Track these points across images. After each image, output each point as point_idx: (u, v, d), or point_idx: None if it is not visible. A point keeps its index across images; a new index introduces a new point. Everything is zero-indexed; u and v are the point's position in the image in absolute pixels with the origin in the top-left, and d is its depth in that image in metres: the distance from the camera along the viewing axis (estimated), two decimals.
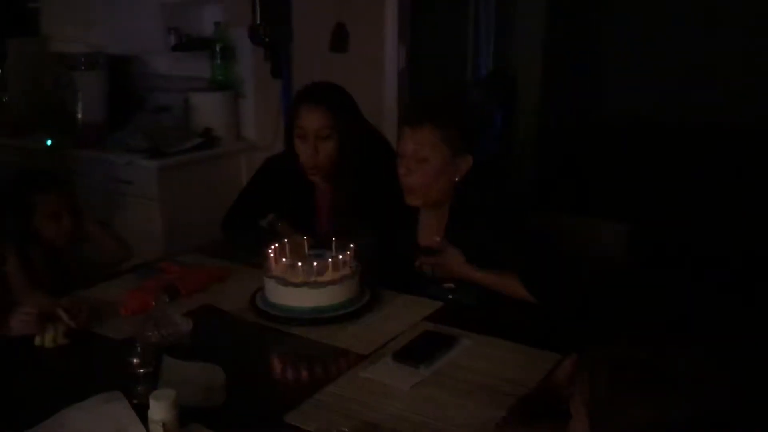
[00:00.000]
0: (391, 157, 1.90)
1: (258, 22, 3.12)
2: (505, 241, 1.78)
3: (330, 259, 1.75)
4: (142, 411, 1.24)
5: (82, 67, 3.35)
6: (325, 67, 3.01)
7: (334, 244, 1.83)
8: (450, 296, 1.83)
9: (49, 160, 3.26)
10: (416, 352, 1.53)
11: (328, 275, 1.72)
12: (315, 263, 1.74)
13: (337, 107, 2.02)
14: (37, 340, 1.55)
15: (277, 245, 1.77)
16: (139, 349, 1.33)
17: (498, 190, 1.90)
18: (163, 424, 1.17)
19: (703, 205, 3.47)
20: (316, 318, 1.68)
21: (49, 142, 3.28)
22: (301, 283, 1.70)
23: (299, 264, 1.71)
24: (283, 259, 1.78)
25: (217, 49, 3.31)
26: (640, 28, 3.83)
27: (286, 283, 1.71)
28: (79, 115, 3.36)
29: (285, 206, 2.16)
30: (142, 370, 1.33)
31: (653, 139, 3.77)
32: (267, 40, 3.12)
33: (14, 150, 3.43)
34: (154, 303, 1.54)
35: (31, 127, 3.43)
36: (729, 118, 3.67)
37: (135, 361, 1.32)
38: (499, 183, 1.92)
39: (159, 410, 1.17)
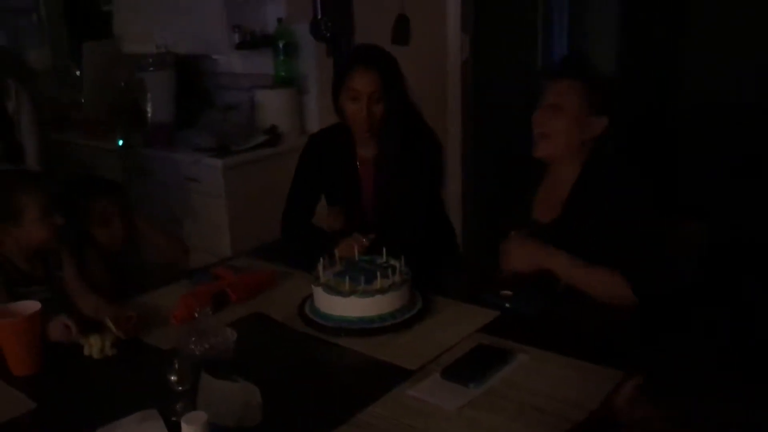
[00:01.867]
0: (430, 136, 2.07)
1: (319, 16, 3.08)
2: (629, 223, 1.68)
3: (379, 266, 1.68)
4: (179, 429, 1.21)
5: (151, 68, 3.40)
6: None
7: (384, 250, 1.77)
8: (507, 305, 1.73)
9: (121, 160, 3.34)
10: (467, 368, 1.44)
11: (377, 283, 1.65)
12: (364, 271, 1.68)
13: (388, 72, 2.06)
14: (86, 350, 1.56)
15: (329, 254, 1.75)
16: (176, 365, 1.31)
17: (632, 174, 1.79)
18: None
19: None
20: (364, 328, 1.62)
21: (120, 143, 3.36)
22: (348, 291, 1.64)
23: (347, 272, 1.66)
24: (334, 267, 1.73)
25: (280, 45, 3.30)
26: (723, 12, 3.56)
27: (333, 291, 1.66)
28: (149, 115, 3.42)
29: (330, 181, 2.15)
30: (180, 388, 1.30)
31: (735, 129, 3.50)
32: (329, 35, 3.08)
33: (88, 149, 3.53)
34: (197, 315, 1.52)
35: (105, 127, 3.52)
36: None
37: (173, 378, 1.30)
38: (633, 168, 1.82)
39: None
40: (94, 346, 1.55)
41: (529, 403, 1.33)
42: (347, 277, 1.67)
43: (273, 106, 3.34)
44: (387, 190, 2.12)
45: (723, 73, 3.49)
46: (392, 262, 1.74)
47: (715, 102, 3.55)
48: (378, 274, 1.67)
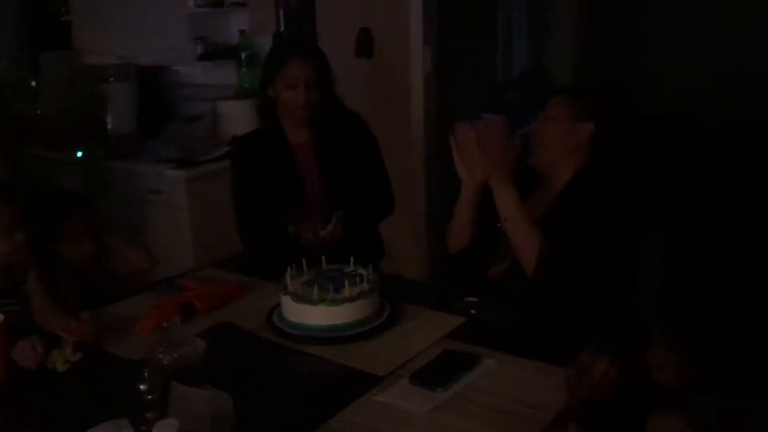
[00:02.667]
0: (358, 118, 2.20)
1: (282, 29, 3.10)
2: (590, 225, 1.74)
3: (347, 275, 1.70)
4: None
5: (112, 79, 3.37)
6: (350, 72, 2.96)
7: (352, 259, 1.79)
8: (473, 311, 1.76)
9: (81, 172, 3.29)
10: (434, 373, 1.47)
11: (346, 291, 1.67)
12: (331, 280, 1.69)
13: (323, 61, 2.15)
14: (50, 363, 1.54)
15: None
16: (146, 374, 1.30)
17: (618, 186, 1.88)
18: None
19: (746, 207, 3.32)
20: (333, 337, 1.63)
21: (79, 154, 3.32)
22: (317, 300, 1.66)
23: (315, 281, 1.67)
24: (302, 276, 1.75)
25: (243, 57, 3.30)
26: (677, 24, 3.69)
27: (302, 300, 1.67)
28: (110, 127, 3.39)
29: (268, 174, 2.16)
30: (150, 397, 1.30)
31: (692, 136, 3.63)
32: None
33: (47, 162, 3.47)
34: (165, 325, 1.51)
35: (64, 139, 3.47)
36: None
37: (142, 387, 1.30)
38: (623, 183, 1.91)
39: None
40: (58, 359, 1.53)
41: (497, 407, 1.36)
42: (315, 286, 1.68)
43: (236, 117, 3.34)
44: (334, 171, 2.17)
45: (681, 82, 3.61)
46: (360, 270, 1.76)
47: (670, 113, 3.67)
48: (346, 282, 1.68)
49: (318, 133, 2.18)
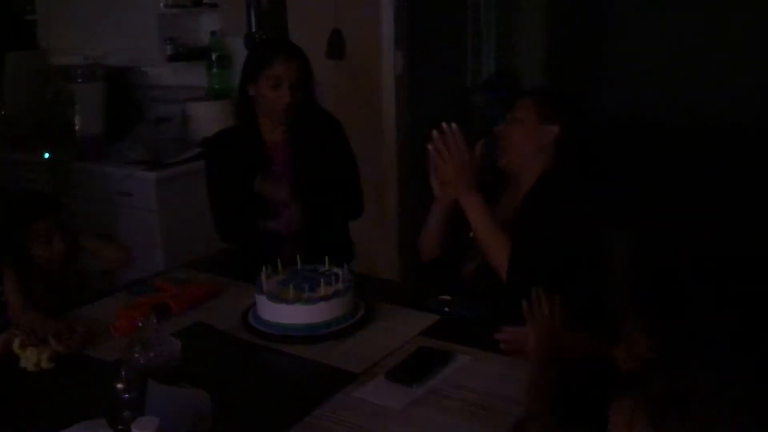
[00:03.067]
0: (333, 119, 2.25)
1: (253, 30, 3.10)
2: (553, 226, 1.78)
3: (322, 274, 1.72)
4: None
5: (80, 80, 3.33)
6: (322, 73, 2.97)
7: (327, 259, 1.81)
8: (446, 309, 1.79)
9: (48, 174, 3.25)
10: (409, 370, 1.49)
11: (321, 291, 1.68)
12: (307, 279, 1.71)
13: (306, 61, 2.18)
14: (22, 362, 1.53)
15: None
16: (123, 373, 1.30)
17: (583, 188, 1.91)
18: None
19: (708, 208, 3.41)
20: (309, 336, 1.65)
21: (47, 155, 3.27)
22: (293, 299, 1.67)
23: (291, 280, 1.69)
24: (277, 276, 1.76)
25: (214, 58, 3.30)
26: (644, 28, 3.78)
27: (278, 299, 1.68)
28: (78, 128, 3.35)
29: (243, 174, 2.17)
30: (127, 396, 1.29)
31: (658, 141, 3.71)
32: None
33: (13, 164, 3.42)
34: (140, 324, 1.51)
35: (30, 141, 3.42)
36: (736, 119, 3.60)
37: (119, 386, 1.29)
38: (587, 183, 1.94)
39: None
40: (30, 359, 1.52)
41: (471, 401, 1.39)
42: (291, 285, 1.70)
43: (206, 119, 3.32)
44: (307, 170, 2.19)
45: (649, 85, 3.69)
46: (335, 270, 1.78)
47: (642, 115, 3.74)
48: (321, 281, 1.70)
49: (294, 133, 2.20)
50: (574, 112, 1.95)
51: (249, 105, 2.18)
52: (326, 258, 1.82)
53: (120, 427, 1.27)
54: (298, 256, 1.84)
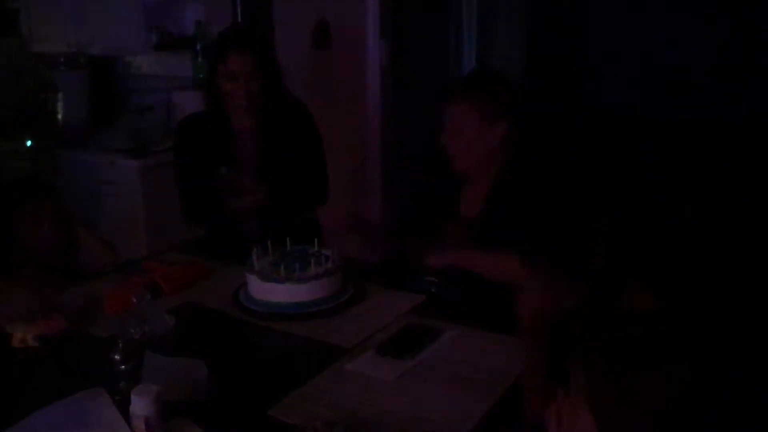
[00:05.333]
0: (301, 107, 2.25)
1: (239, 19, 3.11)
2: (539, 224, 1.78)
3: (312, 255, 1.75)
4: (124, 407, 1.23)
5: (63, 68, 3.33)
6: (307, 63, 3.01)
7: (316, 240, 1.84)
8: (432, 289, 1.84)
9: (30, 162, 3.23)
10: (400, 344, 1.53)
11: (311, 270, 1.72)
12: (297, 258, 1.74)
13: (262, 51, 2.19)
14: (10, 329, 1.55)
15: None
16: (120, 345, 1.33)
17: (548, 171, 1.93)
18: (146, 420, 1.17)
19: (687, 201, 3.49)
20: (299, 313, 1.68)
21: (29, 143, 3.25)
22: (283, 278, 1.70)
23: (282, 261, 1.72)
24: (267, 256, 1.79)
25: (199, 47, 3.30)
26: (623, 24, 3.86)
27: (268, 278, 1.71)
28: (60, 116, 3.33)
29: (209, 159, 2.21)
30: (123, 366, 1.32)
31: (636, 135, 3.80)
32: None
33: None
34: (135, 300, 1.53)
35: (12, 129, 3.39)
36: (713, 115, 3.70)
37: (117, 357, 1.32)
38: (550, 165, 1.95)
39: (141, 405, 1.17)
40: (16, 335, 1.54)
41: (460, 373, 1.44)
42: (282, 265, 1.73)
43: (191, 108, 3.30)
44: (271, 157, 2.23)
45: (626, 82, 3.77)
46: (324, 250, 1.82)
47: (618, 110, 3.83)
48: (312, 261, 1.73)
49: (260, 120, 2.24)
50: (516, 105, 1.89)
51: (217, 92, 2.21)
52: (316, 240, 1.85)
53: (117, 397, 1.30)
54: (288, 239, 1.87)
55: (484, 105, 1.84)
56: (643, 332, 0.89)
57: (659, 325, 0.91)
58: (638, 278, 1.25)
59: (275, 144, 2.24)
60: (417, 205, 2.13)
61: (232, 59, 2.13)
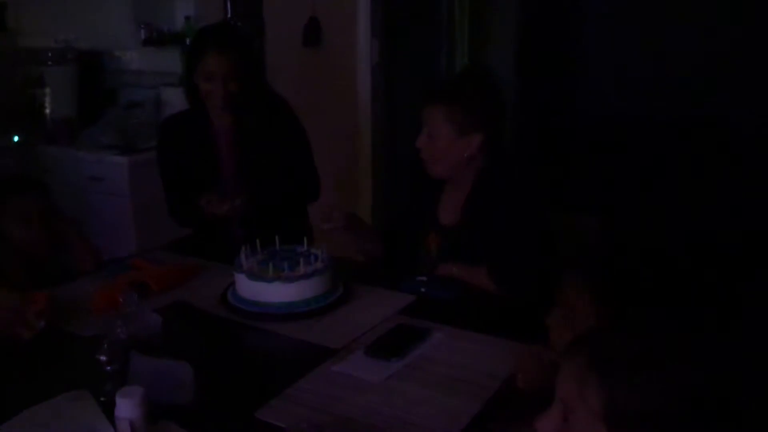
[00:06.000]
0: (284, 106, 2.24)
1: (229, 16, 3.09)
2: (511, 225, 1.80)
3: (301, 254, 1.74)
4: (110, 409, 1.22)
5: (50, 62, 3.29)
6: (297, 61, 2.99)
7: (305, 239, 1.83)
8: (423, 289, 1.83)
9: (17, 158, 3.20)
10: (388, 345, 1.52)
11: (300, 269, 1.71)
12: (287, 257, 1.73)
13: (241, 51, 2.17)
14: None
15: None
16: (106, 346, 1.31)
17: (525, 178, 1.91)
18: (131, 422, 1.16)
19: (676, 200, 3.51)
20: (288, 313, 1.67)
21: (16, 139, 3.23)
22: (272, 277, 1.69)
23: (270, 259, 1.71)
24: (256, 255, 1.78)
25: (188, 43, 3.27)
26: (615, 24, 3.87)
27: (257, 277, 1.70)
28: (48, 111, 3.31)
29: (188, 156, 2.23)
30: (109, 368, 1.31)
31: (627, 135, 3.81)
32: None
33: None
34: (122, 300, 1.52)
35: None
36: (701, 114, 3.72)
37: (102, 358, 1.31)
38: (527, 171, 1.93)
39: (126, 408, 1.16)
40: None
41: (449, 375, 1.43)
42: (270, 264, 1.72)
43: (179, 105, 3.28)
44: (250, 155, 2.23)
45: (618, 81, 3.78)
46: (314, 250, 1.81)
47: (610, 109, 3.83)
48: (301, 260, 1.72)
49: (239, 119, 2.22)
50: (494, 115, 1.85)
51: (196, 92, 2.19)
52: (305, 238, 1.84)
53: (102, 398, 1.28)
54: (276, 237, 1.86)
55: (459, 116, 1.80)
56: (637, 346, 0.88)
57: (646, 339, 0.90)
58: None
59: (255, 143, 2.23)
60: (399, 210, 2.12)
61: (209, 59, 2.11)
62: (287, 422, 1.26)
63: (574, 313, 1.22)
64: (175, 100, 3.31)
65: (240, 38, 2.21)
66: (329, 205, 1.96)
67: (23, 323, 1.53)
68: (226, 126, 2.24)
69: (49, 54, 3.31)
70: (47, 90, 3.29)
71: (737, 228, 3.42)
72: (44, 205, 1.96)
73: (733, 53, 3.70)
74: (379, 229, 2.47)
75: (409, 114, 1.91)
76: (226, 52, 2.11)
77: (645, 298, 1.20)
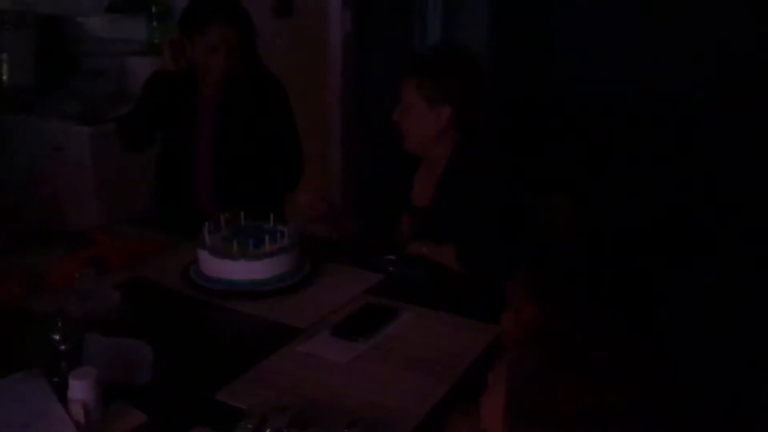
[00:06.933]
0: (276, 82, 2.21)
1: None
2: (482, 211, 1.78)
3: (267, 231, 1.70)
4: (63, 389, 1.17)
5: (8, 26, 3.16)
6: (268, 31, 2.90)
7: (272, 216, 1.78)
8: (391, 268, 1.80)
9: None
10: (355, 325, 1.49)
11: (266, 247, 1.66)
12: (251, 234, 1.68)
13: (245, 24, 2.11)
14: None
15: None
16: (60, 324, 1.26)
17: (496, 158, 1.91)
18: (84, 404, 1.11)
19: (650, 181, 3.52)
20: (253, 291, 1.62)
21: None
22: (237, 255, 1.64)
23: (235, 236, 1.66)
24: (220, 231, 1.72)
25: (154, 10, 3.17)
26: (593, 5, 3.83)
27: (222, 255, 1.65)
28: (5, 78, 3.18)
29: (169, 112, 2.18)
30: (63, 347, 1.25)
31: (600, 113, 3.80)
32: None
33: None
34: (78, 276, 1.46)
35: None
36: (675, 92, 3.71)
37: (56, 337, 1.25)
38: (498, 151, 1.95)
39: (78, 390, 1.11)
40: None
41: (416, 356, 1.40)
42: (235, 241, 1.67)
43: (145, 74, 3.19)
44: (230, 130, 2.17)
45: (592, 58, 3.75)
46: (280, 226, 1.76)
47: (584, 87, 3.81)
48: (266, 237, 1.68)
49: (227, 93, 2.16)
50: (466, 90, 1.84)
51: (189, 61, 2.11)
52: (271, 215, 1.79)
53: (56, 378, 1.23)
54: (242, 213, 1.81)
55: (428, 87, 1.82)
56: (584, 336, 0.85)
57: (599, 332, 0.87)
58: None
59: (236, 118, 2.16)
60: (373, 190, 2.09)
61: (213, 30, 2.04)
62: (249, 405, 1.22)
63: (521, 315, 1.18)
64: (139, 69, 3.21)
65: (243, 10, 2.12)
66: (317, 194, 1.98)
67: None
68: (211, 98, 2.17)
69: (6, 17, 3.17)
70: (4, 56, 3.16)
71: (705, 211, 3.45)
72: None
73: (720, 29, 3.68)
74: (352, 206, 2.43)
75: (382, 86, 1.87)
76: (233, 25, 2.05)
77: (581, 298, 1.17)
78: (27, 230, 1.99)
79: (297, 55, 2.99)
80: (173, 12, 3.18)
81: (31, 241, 1.91)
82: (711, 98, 3.66)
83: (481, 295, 1.66)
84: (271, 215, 1.80)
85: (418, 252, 1.85)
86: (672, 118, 3.68)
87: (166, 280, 1.70)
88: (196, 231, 1.74)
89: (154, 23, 3.20)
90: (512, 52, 3.82)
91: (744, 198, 3.40)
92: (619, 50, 3.76)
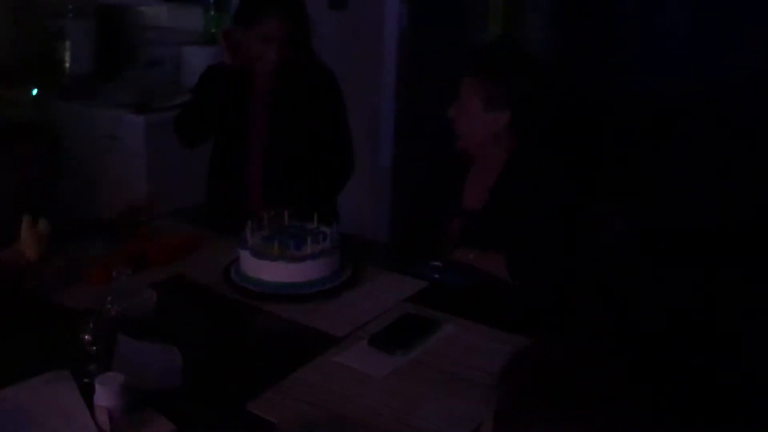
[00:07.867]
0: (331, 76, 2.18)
1: None
2: (540, 220, 1.72)
3: (309, 232, 1.65)
4: (92, 391, 1.14)
5: (71, 15, 3.21)
6: (323, 23, 2.84)
7: (315, 216, 1.73)
8: (436, 275, 1.72)
9: (33, 112, 3.14)
10: (394, 337, 1.43)
11: (307, 249, 1.61)
12: (293, 236, 1.63)
13: (300, 17, 2.09)
14: None
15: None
16: (91, 325, 1.23)
17: (555, 166, 1.83)
18: (109, 411, 1.08)
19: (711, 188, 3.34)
20: (292, 295, 1.58)
21: (35, 92, 3.16)
22: (277, 256, 1.60)
23: (276, 236, 1.62)
24: (262, 231, 1.68)
25: (211, 0, 3.16)
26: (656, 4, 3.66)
27: (261, 255, 1.61)
28: (67, 65, 3.23)
29: (226, 111, 2.15)
30: (94, 348, 1.23)
31: (667, 118, 3.63)
32: None
33: None
34: (115, 275, 1.44)
35: (18, 77, 3.30)
36: (747, 100, 3.51)
37: (87, 338, 1.23)
38: (558, 159, 1.85)
39: (104, 396, 1.08)
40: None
41: (455, 373, 1.33)
42: (276, 242, 1.62)
43: (200, 64, 3.19)
44: (285, 123, 2.15)
45: (659, 59, 3.58)
46: (323, 228, 1.71)
47: (649, 90, 3.65)
48: (308, 239, 1.62)
49: (280, 86, 2.13)
50: (526, 95, 1.77)
51: (245, 52, 2.07)
52: (315, 215, 1.74)
53: (85, 380, 1.21)
54: (285, 213, 1.76)
55: (489, 90, 1.76)
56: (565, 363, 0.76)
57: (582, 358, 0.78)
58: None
59: (290, 111, 2.14)
60: (423, 192, 2.04)
61: (269, 23, 2.02)
62: (280, 418, 1.18)
63: None
64: (196, 59, 3.21)
65: (299, 2, 2.10)
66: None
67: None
68: (266, 90, 2.15)
69: (70, 6, 3.22)
70: (67, 44, 3.21)
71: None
72: (38, 154, 1.89)
73: None
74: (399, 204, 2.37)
75: (437, 83, 1.81)
76: (289, 17, 2.04)
77: None
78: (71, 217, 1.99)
79: (351, 49, 2.94)
80: (230, 2, 3.17)
81: (75, 229, 1.90)
82: None
83: (531, 311, 1.58)
84: (315, 215, 1.75)
85: (464, 258, 1.77)
86: (737, 127, 3.49)
87: (205, 278, 1.67)
88: (241, 228, 1.70)
89: (211, 13, 3.20)
90: (574, 54, 3.67)
91: None
92: (681, 54, 3.57)
